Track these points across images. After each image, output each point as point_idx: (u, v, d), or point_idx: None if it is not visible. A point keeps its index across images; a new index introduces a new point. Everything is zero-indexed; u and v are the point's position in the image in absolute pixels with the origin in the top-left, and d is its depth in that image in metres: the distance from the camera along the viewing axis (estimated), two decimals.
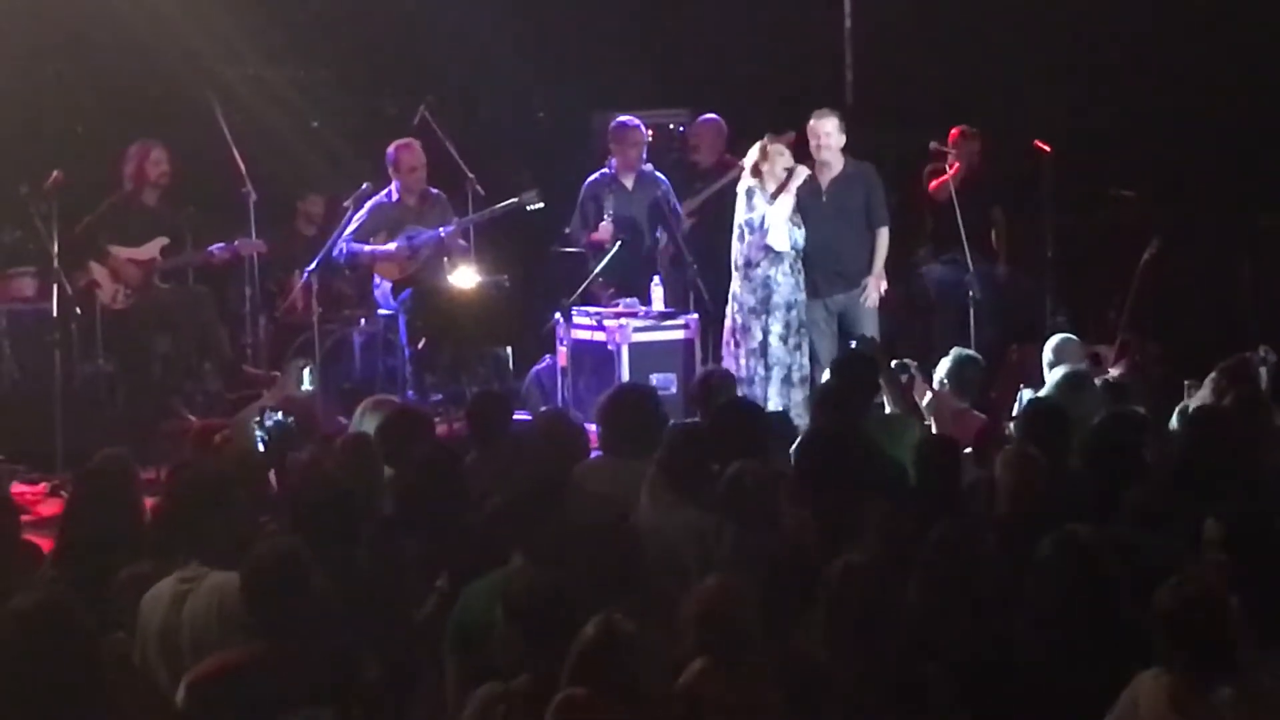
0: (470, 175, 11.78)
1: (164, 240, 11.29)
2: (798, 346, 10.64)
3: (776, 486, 6.61)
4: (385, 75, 13.16)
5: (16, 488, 9.40)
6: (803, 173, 10.62)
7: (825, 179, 10.88)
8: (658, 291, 11.24)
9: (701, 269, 11.25)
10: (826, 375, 8.97)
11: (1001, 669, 5.36)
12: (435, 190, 11.66)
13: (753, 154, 10.69)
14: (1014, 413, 8.75)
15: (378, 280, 11.59)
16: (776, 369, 10.57)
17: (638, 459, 7.15)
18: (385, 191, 11.52)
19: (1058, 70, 12.84)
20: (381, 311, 11.59)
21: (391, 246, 11.41)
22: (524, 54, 13.08)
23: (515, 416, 8.74)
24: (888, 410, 8.54)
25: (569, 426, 7.85)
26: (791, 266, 10.64)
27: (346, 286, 11.85)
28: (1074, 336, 9.83)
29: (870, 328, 10.69)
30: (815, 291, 10.82)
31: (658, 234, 11.52)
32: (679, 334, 11.03)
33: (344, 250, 11.37)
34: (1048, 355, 9.47)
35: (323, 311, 11.29)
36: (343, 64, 13.12)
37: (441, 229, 11.39)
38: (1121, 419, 7.41)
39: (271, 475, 7.42)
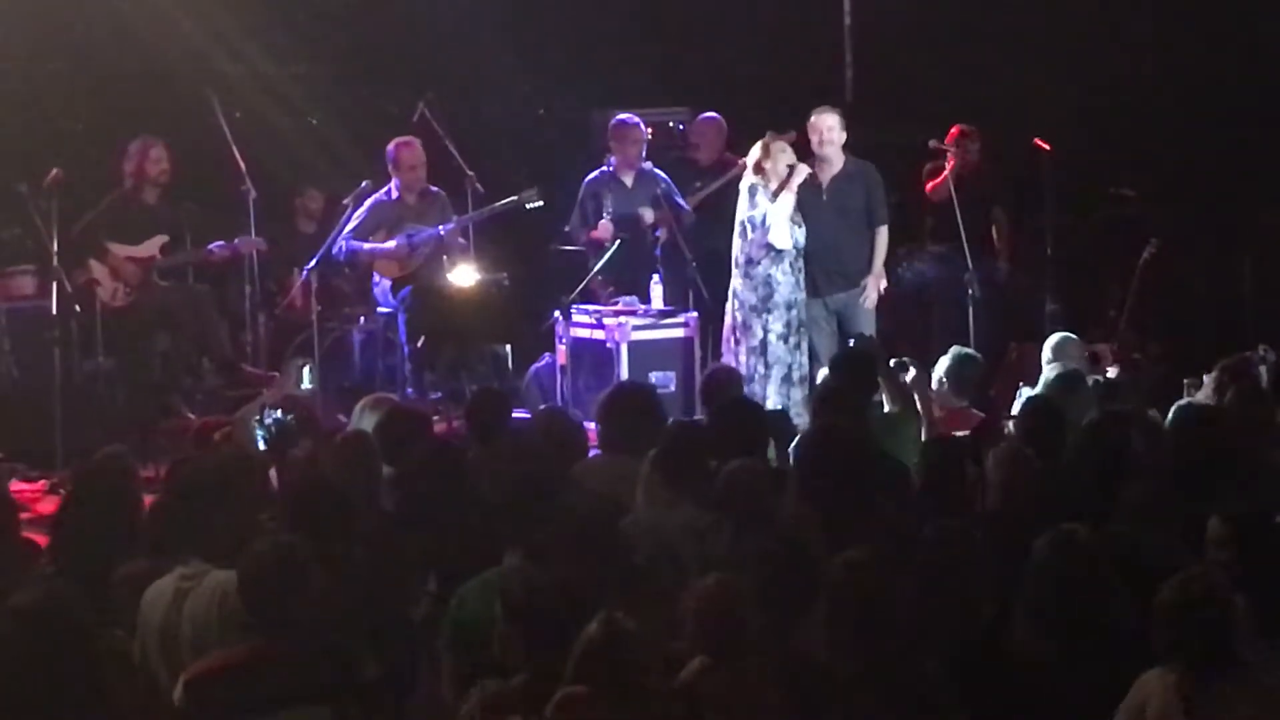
0: (470, 173, 11.77)
1: (163, 238, 11.28)
2: (798, 345, 10.63)
3: (773, 485, 6.61)
4: (385, 73, 13.14)
5: (16, 485, 9.38)
6: (804, 171, 10.61)
7: (825, 177, 10.88)
8: (657, 290, 11.24)
9: (701, 266, 11.25)
10: (825, 373, 8.97)
11: (1001, 669, 5.36)
12: (435, 188, 11.66)
13: (755, 151, 10.69)
14: (1013, 411, 8.75)
15: (377, 278, 11.59)
16: (776, 367, 10.56)
17: (637, 457, 7.14)
18: (385, 189, 11.52)
19: (1058, 69, 12.83)
20: (381, 309, 11.59)
21: (391, 244, 11.41)
22: (524, 52, 13.07)
23: (514, 415, 8.73)
24: (886, 409, 8.54)
25: (568, 425, 7.85)
26: (792, 265, 10.63)
27: (346, 284, 11.85)
28: (1073, 335, 9.82)
29: (869, 327, 10.70)
30: (815, 290, 10.82)
31: (657, 232, 11.51)
32: (678, 332, 11.03)
33: (343, 248, 11.38)
34: (1047, 354, 9.47)
35: (322, 309, 11.29)
36: (343, 61, 13.11)
37: (441, 227, 11.39)
38: (1113, 418, 7.41)
39: (272, 473, 7.41)
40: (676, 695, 5.15)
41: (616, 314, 11.01)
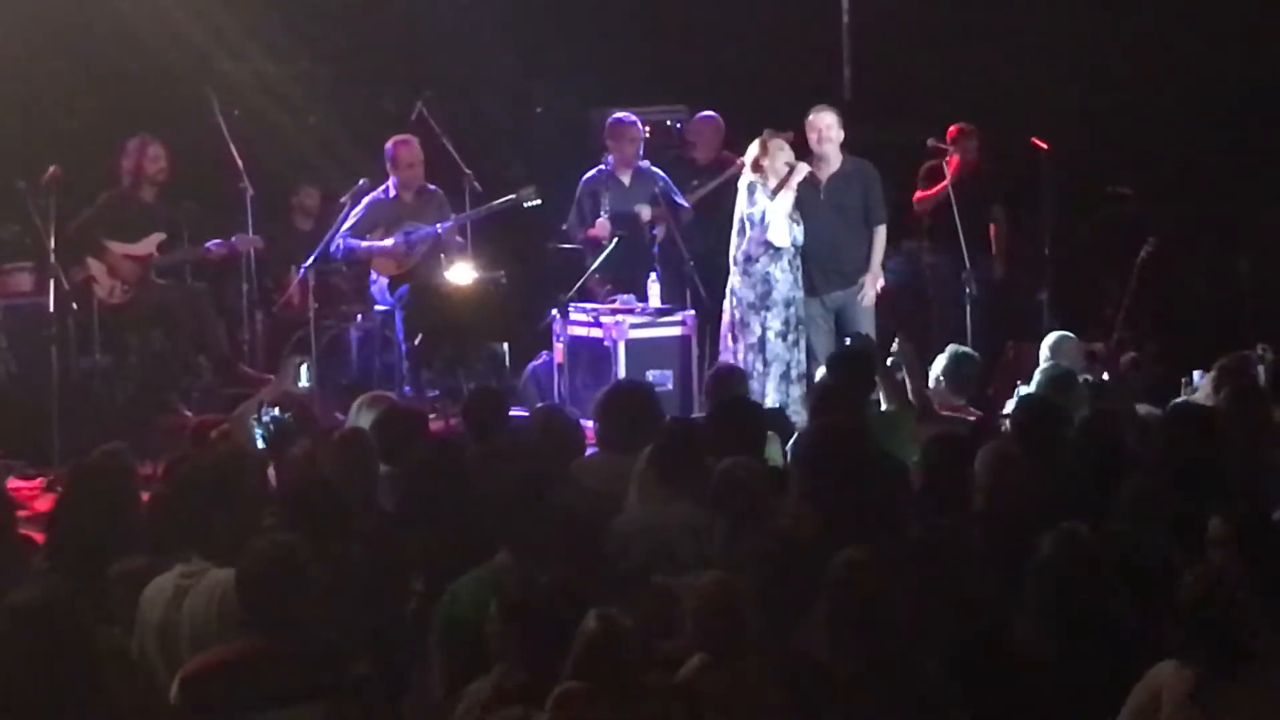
0: (467, 171, 11.78)
1: (161, 236, 11.28)
2: (796, 342, 10.63)
3: (769, 483, 6.61)
4: (383, 71, 13.14)
5: (13, 483, 9.38)
6: (803, 169, 10.61)
7: (823, 175, 10.88)
8: (654, 288, 11.24)
9: (698, 265, 11.24)
10: (822, 372, 8.97)
11: (1002, 669, 5.36)
12: (432, 186, 11.66)
13: (753, 149, 10.69)
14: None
15: (374, 276, 11.59)
16: (775, 365, 10.56)
17: (634, 455, 7.14)
18: (382, 187, 11.52)
19: (1056, 68, 12.83)
20: (378, 307, 11.59)
21: (388, 242, 11.41)
22: (522, 50, 13.08)
23: (512, 413, 8.73)
24: (883, 407, 8.54)
25: (566, 423, 7.85)
26: (790, 263, 10.63)
27: (343, 282, 11.83)
28: (1071, 334, 9.82)
29: (867, 325, 10.70)
30: (813, 288, 10.82)
31: (655, 230, 11.50)
32: (675, 330, 11.03)
33: (341, 246, 11.38)
34: (1045, 352, 9.46)
35: (319, 307, 11.28)
36: (341, 60, 13.11)
37: (439, 225, 11.39)
38: (1104, 416, 7.41)
39: (270, 471, 7.41)
40: (676, 694, 5.15)
41: (614, 312, 11.01)
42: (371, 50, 13.12)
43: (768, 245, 10.56)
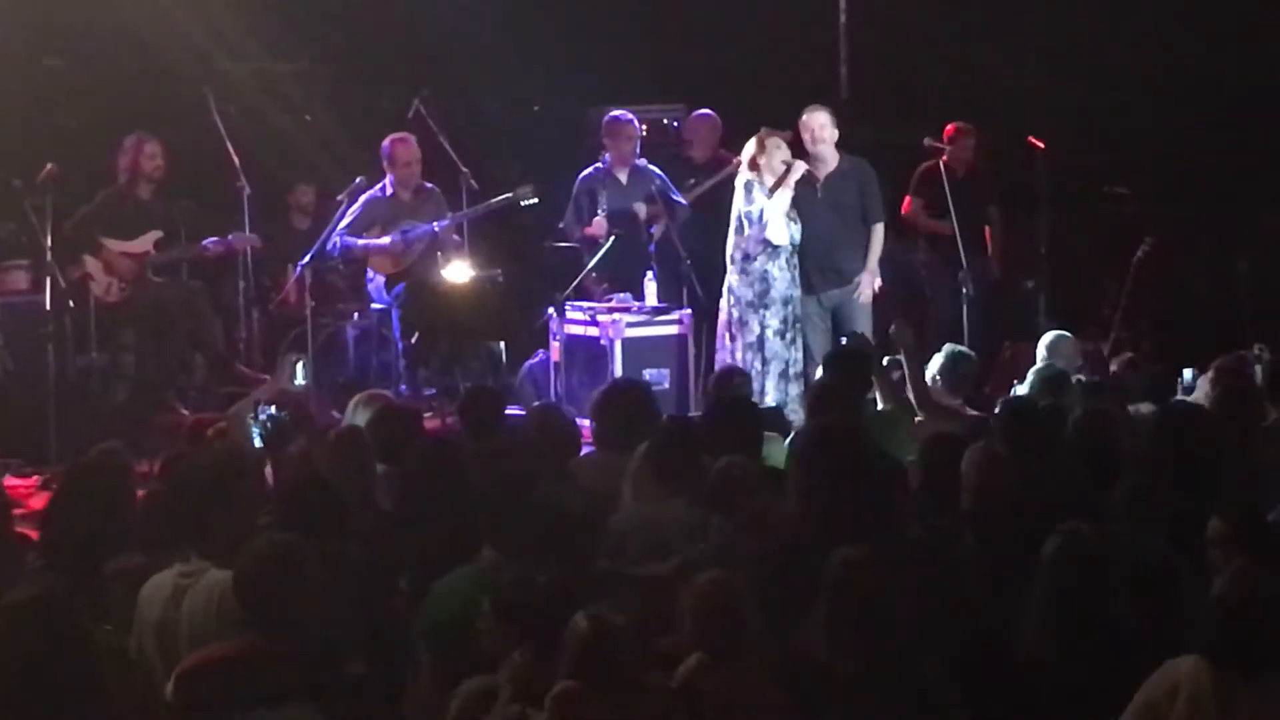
0: (465, 170, 11.77)
1: (158, 234, 11.28)
2: (794, 341, 10.63)
3: (764, 482, 6.61)
4: (381, 69, 13.13)
5: (9, 481, 9.37)
6: (801, 167, 10.60)
7: (820, 174, 10.87)
8: (651, 286, 11.23)
9: (695, 263, 11.24)
10: (820, 371, 8.97)
11: (1002, 669, 5.36)
12: (429, 185, 11.64)
13: (750, 147, 10.68)
14: None
15: (371, 274, 11.58)
16: (774, 363, 10.55)
17: (630, 454, 7.14)
18: (379, 186, 11.51)
19: (1053, 67, 12.83)
20: (375, 306, 11.58)
21: (385, 240, 11.40)
22: (519, 48, 13.06)
23: (508, 411, 8.73)
24: (880, 406, 8.54)
25: (562, 421, 7.83)
26: (788, 261, 10.63)
27: (340, 281, 11.83)
28: (1068, 334, 9.80)
29: (864, 324, 10.69)
30: (810, 287, 10.81)
31: (652, 228, 11.50)
32: (672, 329, 11.03)
33: (337, 244, 11.37)
34: (1041, 352, 9.45)
35: (316, 306, 11.29)
36: (338, 58, 13.11)
37: (435, 223, 11.39)
38: (1097, 416, 7.40)
39: (267, 470, 7.40)
40: (674, 693, 5.14)
41: (610, 311, 11.00)
42: (369, 49, 13.12)
43: (766, 243, 10.56)
